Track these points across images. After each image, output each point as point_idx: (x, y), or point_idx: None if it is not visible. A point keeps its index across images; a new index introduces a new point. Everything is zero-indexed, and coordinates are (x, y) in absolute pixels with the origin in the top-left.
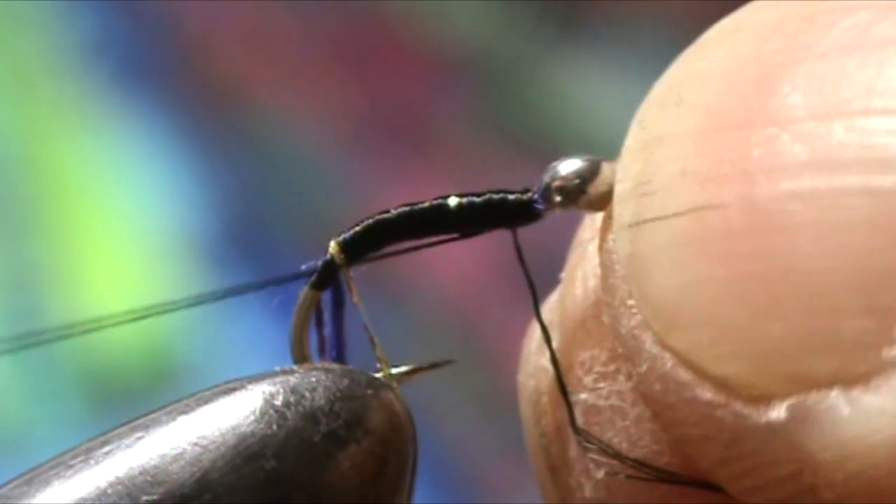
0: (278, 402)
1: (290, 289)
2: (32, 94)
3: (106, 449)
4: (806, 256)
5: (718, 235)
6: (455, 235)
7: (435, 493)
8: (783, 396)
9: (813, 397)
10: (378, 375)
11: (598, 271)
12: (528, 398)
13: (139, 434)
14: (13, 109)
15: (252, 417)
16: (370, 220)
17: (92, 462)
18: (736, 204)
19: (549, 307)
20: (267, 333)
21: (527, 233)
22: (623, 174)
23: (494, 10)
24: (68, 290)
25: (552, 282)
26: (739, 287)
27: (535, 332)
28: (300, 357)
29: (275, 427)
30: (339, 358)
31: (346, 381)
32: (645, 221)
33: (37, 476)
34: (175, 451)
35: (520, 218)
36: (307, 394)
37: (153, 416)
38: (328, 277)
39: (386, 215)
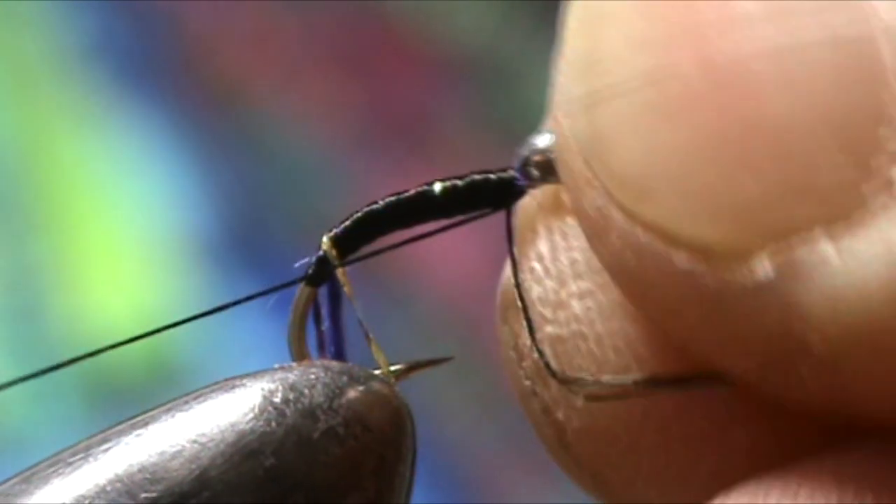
0: (277, 399)
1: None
2: (34, 94)
3: (105, 446)
4: (772, 109)
5: (679, 101)
6: (454, 222)
7: (434, 491)
8: (767, 253)
9: (800, 251)
10: (377, 372)
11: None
12: (506, 344)
13: (138, 431)
14: (14, 109)
15: (251, 415)
16: (359, 213)
17: (91, 459)
18: (693, 67)
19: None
20: (265, 331)
21: None
22: (571, 54)
23: (495, 10)
24: (69, 289)
25: None
26: (707, 148)
27: (505, 275)
28: (299, 354)
29: (273, 424)
30: (338, 354)
31: (344, 378)
32: (601, 99)
33: (36, 474)
34: (174, 449)
35: (503, 196)
36: (306, 391)
37: (152, 413)
38: (322, 273)
39: (374, 206)
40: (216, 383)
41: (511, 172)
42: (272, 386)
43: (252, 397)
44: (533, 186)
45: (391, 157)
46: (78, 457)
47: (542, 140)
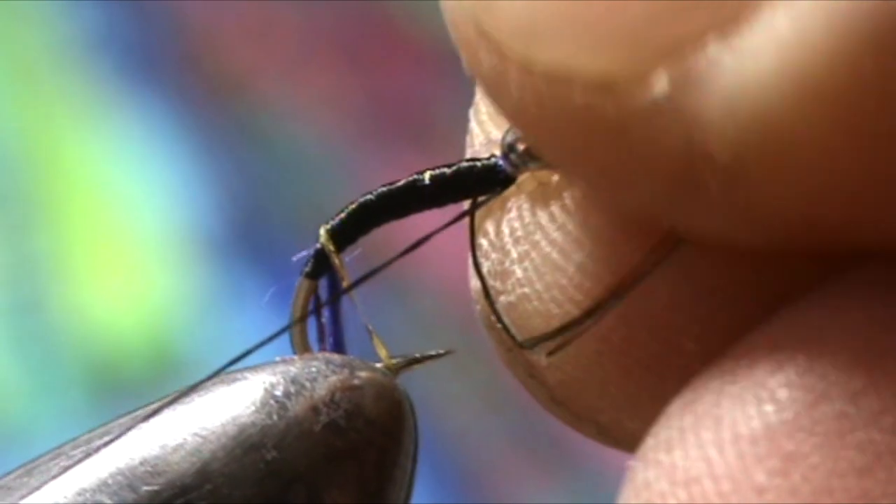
0: (279, 392)
1: (287, 280)
2: (36, 87)
3: (107, 439)
4: None
5: None
6: (455, 217)
7: (436, 485)
8: (662, 70)
9: (692, 59)
10: (378, 365)
11: None
12: (484, 322)
13: (139, 425)
14: (17, 103)
15: (252, 408)
16: (354, 204)
17: (92, 452)
18: None
19: None
20: (266, 324)
21: None
22: None
23: None
24: (71, 283)
25: None
26: None
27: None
28: (300, 347)
29: (275, 417)
30: (337, 347)
31: (346, 371)
32: None
33: (37, 466)
34: (175, 442)
35: (489, 183)
36: (307, 384)
37: (154, 406)
38: (321, 266)
39: (367, 197)
40: (218, 376)
41: (494, 159)
42: (274, 379)
43: (254, 390)
44: (517, 172)
45: (393, 151)
46: (79, 450)
47: None
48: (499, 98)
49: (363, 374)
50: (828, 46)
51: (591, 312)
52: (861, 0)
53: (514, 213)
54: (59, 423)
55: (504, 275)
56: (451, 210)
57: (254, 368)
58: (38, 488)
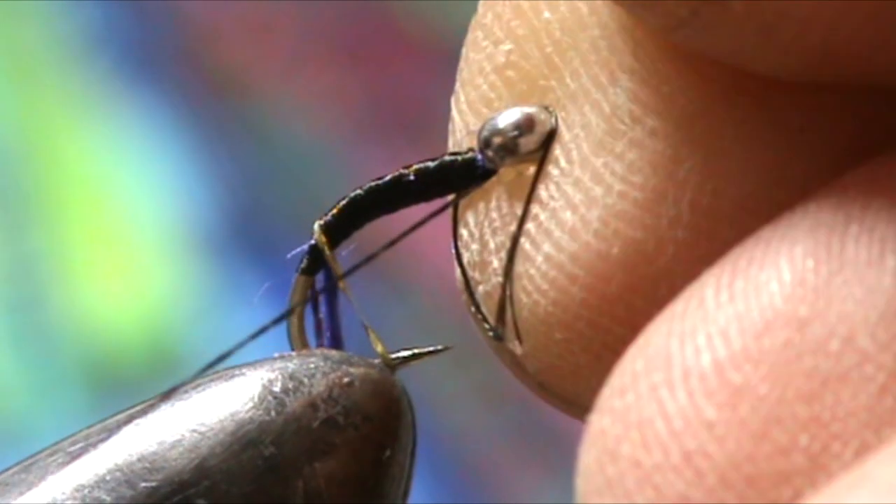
0: (277, 388)
1: (283, 277)
2: (34, 84)
3: (104, 436)
4: None
5: None
6: (439, 209)
7: (433, 480)
8: None
9: None
10: (376, 361)
11: None
12: (471, 313)
13: (137, 421)
14: (15, 99)
15: (250, 404)
16: (344, 200)
17: (90, 449)
18: None
19: None
20: (264, 320)
21: None
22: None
23: None
24: (69, 280)
25: None
26: None
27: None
28: (298, 343)
29: (273, 413)
30: (334, 343)
31: (344, 367)
32: None
33: (35, 463)
34: (173, 438)
35: (469, 177)
36: (305, 380)
37: (151, 403)
38: (316, 261)
39: (357, 192)
40: (216, 372)
41: (472, 153)
42: (271, 375)
43: (251, 386)
44: (496, 167)
45: (392, 148)
46: (77, 446)
47: (503, 119)
48: None
49: (361, 370)
50: None
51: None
52: None
53: (493, 204)
54: (57, 419)
55: (482, 265)
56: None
57: (251, 365)
58: (36, 485)
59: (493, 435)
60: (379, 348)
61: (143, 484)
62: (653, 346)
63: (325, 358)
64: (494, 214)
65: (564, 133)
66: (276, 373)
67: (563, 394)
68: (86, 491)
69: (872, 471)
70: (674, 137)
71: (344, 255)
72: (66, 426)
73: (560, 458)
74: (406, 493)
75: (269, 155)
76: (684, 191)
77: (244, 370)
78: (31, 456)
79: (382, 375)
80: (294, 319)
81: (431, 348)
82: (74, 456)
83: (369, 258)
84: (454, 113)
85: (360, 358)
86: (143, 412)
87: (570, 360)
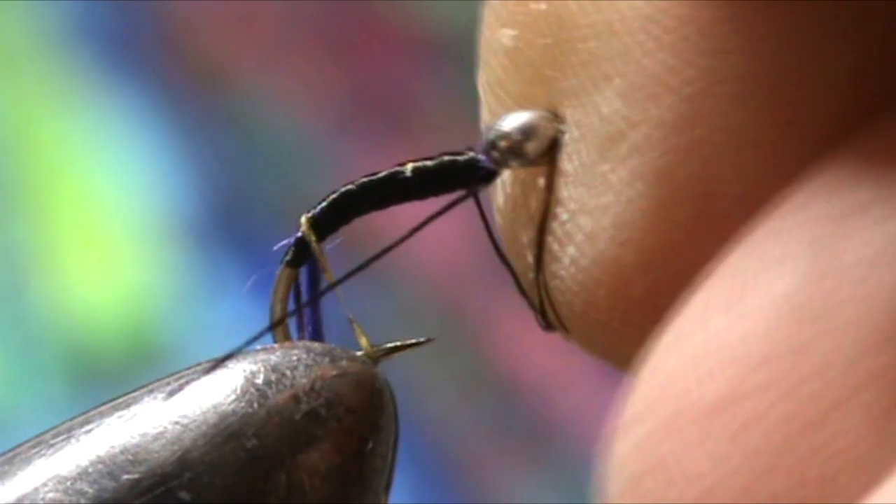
0: (259, 380)
1: (267, 268)
2: (15, 74)
3: (87, 428)
4: None
5: None
6: (439, 211)
7: (416, 471)
8: None
9: None
10: (359, 353)
11: None
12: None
13: (120, 413)
14: None
15: (233, 396)
16: (335, 194)
17: (73, 441)
18: None
19: None
20: (246, 312)
21: None
22: None
23: None
24: (51, 270)
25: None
26: None
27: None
28: (280, 335)
29: (256, 406)
30: (316, 335)
31: (326, 360)
32: None
33: (18, 455)
34: (156, 430)
35: (469, 179)
36: (288, 372)
37: (134, 395)
38: (302, 254)
39: (349, 187)
40: (198, 364)
41: (476, 155)
42: (254, 367)
43: (234, 379)
44: (500, 169)
45: (374, 139)
46: (60, 438)
47: (508, 123)
48: None
49: (344, 362)
50: None
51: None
52: None
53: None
54: (38, 410)
55: (518, 257)
56: (435, 202)
57: (235, 357)
58: (18, 477)
59: (474, 425)
60: (362, 341)
61: (126, 476)
62: (661, 375)
63: (308, 350)
64: (522, 211)
65: (573, 130)
66: (259, 365)
67: (618, 364)
68: (68, 483)
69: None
70: (668, 142)
71: (328, 249)
72: (46, 416)
73: (541, 449)
74: (389, 485)
75: (250, 145)
76: (686, 196)
77: (227, 362)
78: (14, 448)
79: (365, 368)
80: (277, 312)
81: (414, 340)
82: (57, 448)
83: (370, 261)
84: (480, 91)
85: (343, 350)
86: (126, 404)
87: (615, 349)
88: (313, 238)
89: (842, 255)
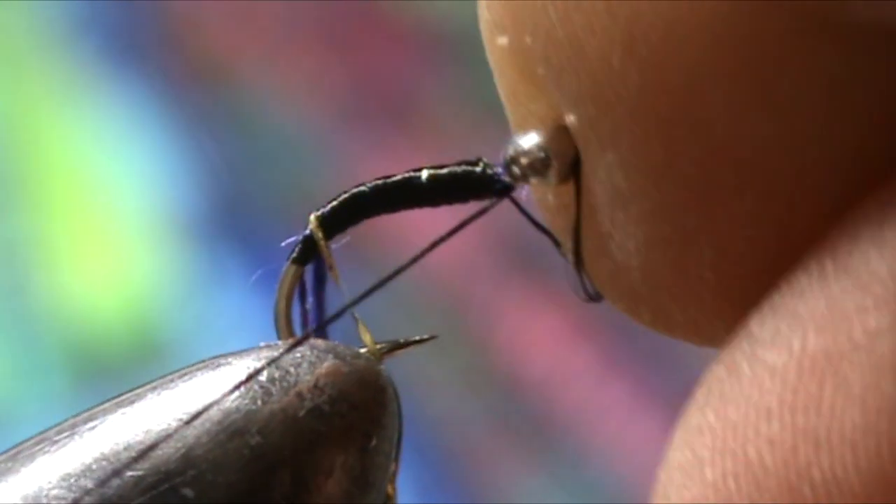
0: (263, 377)
1: (272, 264)
2: (18, 69)
3: (91, 424)
4: None
5: None
6: (461, 224)
7: (418, 467)
8: None
9: None
10: (362, 351)
11: None
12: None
13: (124, 410)
14: None
15: (236, 393)
16: (346, 195)
17: (77, 438)
18: None
19: None
20: (250, 307)
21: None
22: None
23: None
24: (53, 266)
25: (540, 259)
26: None
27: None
28: (284, 332)
29: (259, 403)
30: (322, 332)
31: (330, 357)
32: None
33: (21, 452)
34: (160, 427)
35: (486, 190)
36: (291, 369)
37: (138, 391)
38: (309, 252)
39: (361, 189)
40: (202, 362)
41: (493, 170)
42: (258, 364)
43: (238, 376)
44: (518, 184)
45: (376, 134)
46: (64, 435)
47: (527, 141)
48: None
49: (347, 359)
50: None
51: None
52: None
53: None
54: (41, 406)
55: (563, 243)
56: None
57: (238, 354)
58: (22, 473)
59: (477, 422)
60: (366, 338)
61: (130, 473)
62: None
63: (312, 347)
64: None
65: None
66: (263, 362)
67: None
68: (72, 480)
69: None
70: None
71: (334, 248)
72: (48, 412)
73: (542, 445)
74: (392, 481)
75: (251, 141)
76: (698, 247)
77: (230, 359)
78: (17, 444)
79: (368, 365)
80: (282, 308)
81: (417, 338)
82: (61, 445)
83: (391, 277)
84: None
85: (347, 347)
86: (130, 401)
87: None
88: (321, 237)
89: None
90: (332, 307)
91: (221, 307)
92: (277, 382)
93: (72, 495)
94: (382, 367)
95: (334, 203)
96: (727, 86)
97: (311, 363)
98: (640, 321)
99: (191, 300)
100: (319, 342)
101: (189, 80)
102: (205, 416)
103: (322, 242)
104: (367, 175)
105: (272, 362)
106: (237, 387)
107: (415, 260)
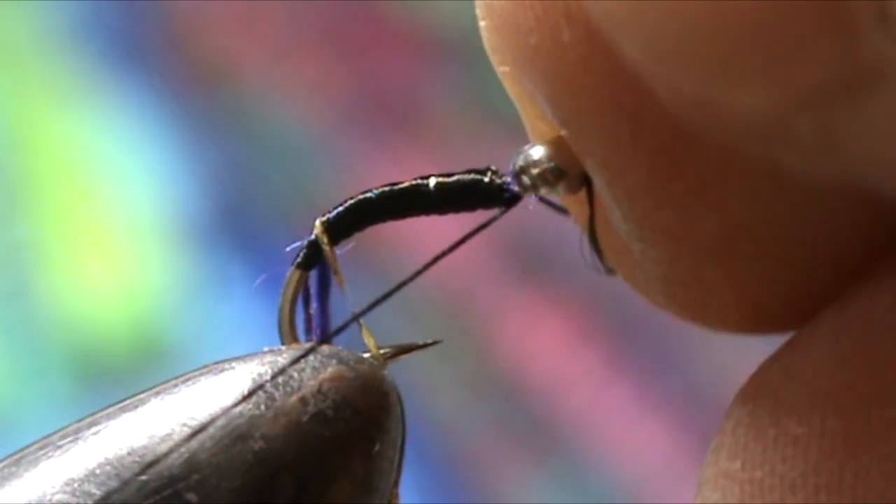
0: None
1: (276, 269)
2: (21, 73)
3: (94, 429)
4: None
5: None
6: (473, 231)
7: (421, 472)
8: None
9: None
10: (366, 355)
11: None
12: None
13: (127, 414)
14: (1, 89)
15: (240, 398)
16: (353, 201)
17: (80, 442)
18: None
19: None
20: (252, 312)
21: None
22: None
23: None
24: (56, 269)
25: (543, 263)
26: None
27: None
28: (288, 337)
29: (263, 407)
30: (325, 337)
31: (333, 362)
32: None
33: (25, 457)
34: (163, 432)
35: (493, 199)
36: (295, 374)
37: (141, 396)
38: (314, 257)
39: (367, 195)
40: (206, 366)
41: (502, 180)
42: (262, 369)
43: (242, 380)
44: (527, 194)
45: (379, 138)
46: (67, 439)
47: (537, 152)
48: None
49: (351, 364)
50: None
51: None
52: None
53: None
54: (43, 410)
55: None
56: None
57: (242, 358)
58: (26, 478)
59: (480, 426)
60: (369, 343)
61: (133, 477)
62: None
63: (315, 352)
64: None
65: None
66: (266, 367)
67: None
68: (76, 485)
69: None
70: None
71: (339, 254)
72: (51, 416)
73: (545, 449)
74: (396, 486)
75: (254, 144)
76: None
77: (234, 364)
78: (21, 449)
79: (372, 370)
80: (286, 313)
81: (421, 342)
82: (64, 449)
83: (398, 288)
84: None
85: (350, 352)
86: (133, 406)
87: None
88: (326, 242)
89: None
90: (335, 312)
91: (225, 312)
92: (281, 387)
93: (75, 500)
94: (386, 371)
95: (340, 208)
96: (741, 174)
97: (315, 368)
98: (659, 307)
99: (194, 304)
100: (324, 347)
101: (192, 84)
102: (208, 420)
103: (327, 248)
104: (370, 179)
105: (280, 371)
106: (247, 397)
107: (423, 269)
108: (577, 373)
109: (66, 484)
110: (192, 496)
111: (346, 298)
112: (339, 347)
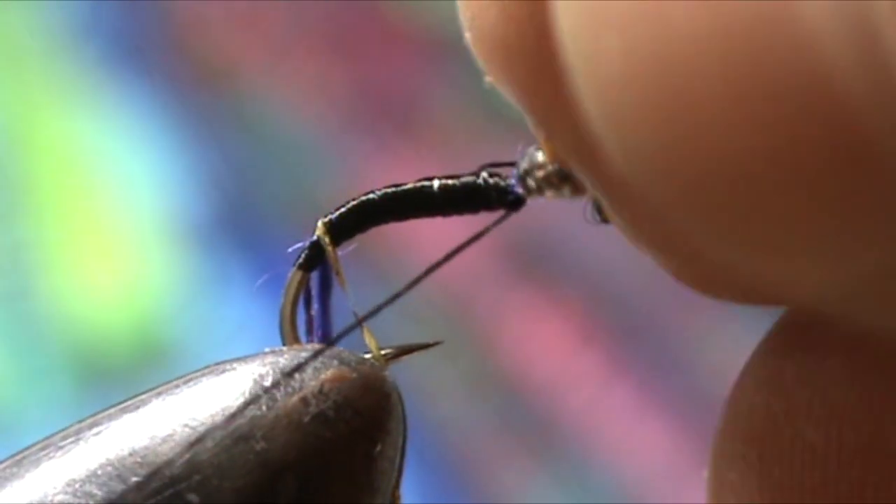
0: (267, 383)
1: (278, 269)
2: (23, 74)
3: (95, 430)
4: None
5: None
6: (477, 234)
7: (423, 472)
8: None
9: None
10: (367, 356)
11: None
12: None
13: (129, 415)
14: (3, 89)
15: (242, 399)
16: (355, 202)
17: (82, 443)
18: None
19: None
20: (256, 314)
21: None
22: None
23: None
24: (57, 270)
25: (544, 264)
26: None
27: None
28: (290, 338)
29: (264, 408)
30: (325, 338)
31: (335, 362)
32: None
33: (26, 457)
34: (165, 433)
35: (497, 202)
36: (297, 375)
37: (142, 397)
38: (315, 258)
39: (370, 196)
40: (207, 367)
41: (506, 182)
42: (263, 370)
43: (243, 381)
44: (531, 197)
45: (380, 139)
46: (69, 440)
47: (542, 154)
48: None
49: (352, 365)
50: None
51: None
52: None
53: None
54: (44, 410)
55: None
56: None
57: (243, 359)
58: (27, 479)
59: (481, 426)
60: (370, 343)
61: (135, 478)
62: None
63: (316, 353)
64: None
65: None
66: (268, 368)
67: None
68: (77, 485)
69: None
70: None
71: (341, 255)
72: (52, 416)
73: (546, 449)
74: (397, 486)
75: (255, 145)
76: None
77: (235, 365)
78: (23, 450)
79: (373, 370)
80: (287, 314)
81: (422, 343)
82: (66, 450)
83: (403, 291)
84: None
85: (352, 353)
86: (135, 406)
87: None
88: (328, 243)
89: None
90: (337, 313)
91: (226, 312)
92: (282, 388)
93: (76, 500)
94: (387, 372)
95: (342, 209)
96: None
97: (317, 369)
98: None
99: (195, 305)
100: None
101: (193, 85)
102: (210, 421)
103: (329, 248)
104: (370, 179)
105: (286, 375)
106: (248, 403)
107: (428, 272)
108: (579, 373)
109: (68, 484)
110: (193, 496)
111: (347, 299)
112: (341, 348)
